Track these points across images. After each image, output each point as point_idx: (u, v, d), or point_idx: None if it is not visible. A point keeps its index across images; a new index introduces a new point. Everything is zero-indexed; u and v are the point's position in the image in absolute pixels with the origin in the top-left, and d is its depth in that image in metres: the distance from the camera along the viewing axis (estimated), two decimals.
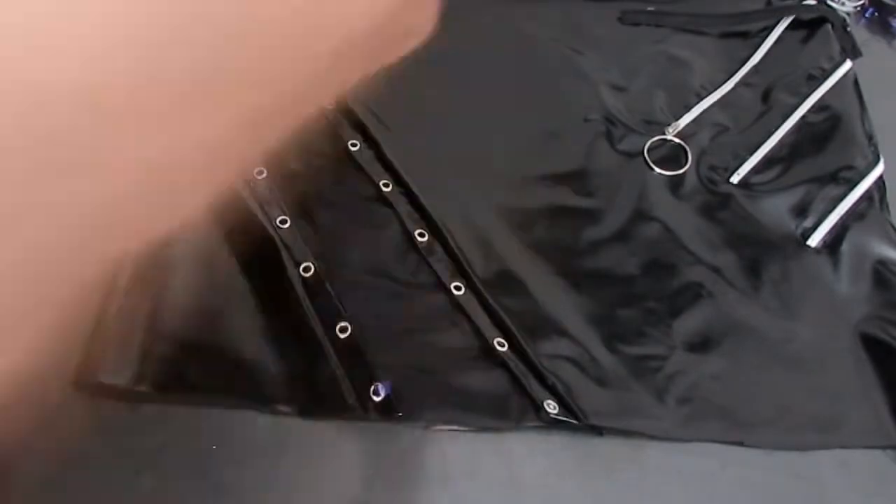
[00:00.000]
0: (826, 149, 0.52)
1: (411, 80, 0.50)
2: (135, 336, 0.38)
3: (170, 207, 0.17)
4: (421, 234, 0.44)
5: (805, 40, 0.57)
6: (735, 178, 0.50)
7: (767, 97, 0.54)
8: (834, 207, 0.49)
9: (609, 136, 0.51)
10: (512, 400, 0.39)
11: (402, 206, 0.45)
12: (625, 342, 0.42)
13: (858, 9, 0.61)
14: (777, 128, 0.52)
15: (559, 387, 0.39)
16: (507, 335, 0.41)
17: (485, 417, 0.39)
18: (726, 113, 0.53)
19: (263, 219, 0.42)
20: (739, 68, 0.55)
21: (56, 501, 0.36)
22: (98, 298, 0.39)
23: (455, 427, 0.39)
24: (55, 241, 0.15)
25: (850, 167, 0.50)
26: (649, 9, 0.57)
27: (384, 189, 0.45)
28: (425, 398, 0.39)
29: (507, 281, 0.43)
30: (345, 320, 0.40)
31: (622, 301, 0.44)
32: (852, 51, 0.57)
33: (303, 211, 0.43)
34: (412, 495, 0.37)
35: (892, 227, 0.49)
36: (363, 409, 0.38)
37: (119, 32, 0.14)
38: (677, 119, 0.52)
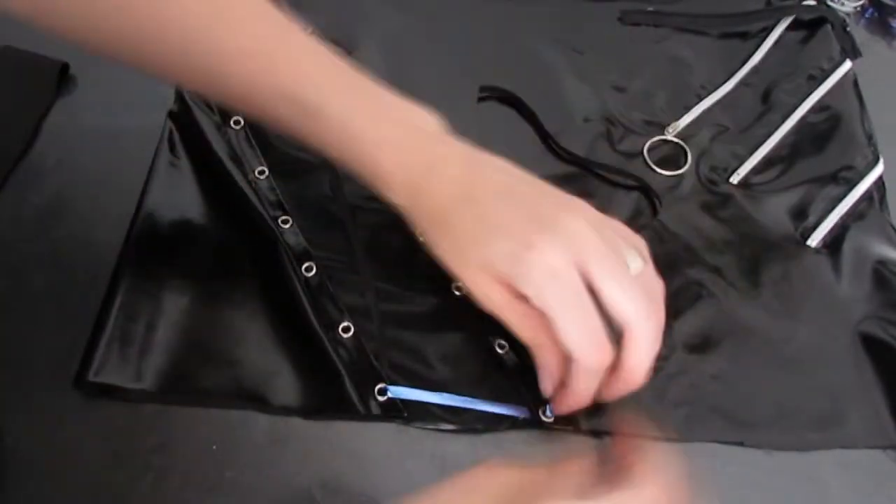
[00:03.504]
0: (826, 149, 0.52)
1: (412, 80, 0.50)
2: (135, 336, 0.38)
3: None
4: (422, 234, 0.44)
5: (805, 40, 0.57)
6: (735, 179, 0.50)
7: (767, 97, 0.54)
8: (834, 207, 0.49)
9: (609, 137, 0.51)
10: (512, 401, 0.39)
11: None
12: None
13: (858, 9, 0.61)
14: (777, 128, 0.52)
15: None
16: (507, 337, 0.41)
17: (485, 418, 0.39)
18: (726, 113, 0.53)
19: (266, 218, 0.42)
20: (739, 68, 0.55)
21: (56, 501, 0.36)
22: (98, 298, 0.39)
23: (456, 427, 0.39)
24: None
25: (849, 167, 0.50)
26: (649, 9, 0.57)
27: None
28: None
29: None
30: (347, 320, 0.40)
31: None
32: (852, 51, 0.57)
33: (305, 210, 0.43)
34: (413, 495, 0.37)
35: (892, 227, 0.49)
36: (366, 410, 0.38)
37: None
38: (677, 119, 0.52)
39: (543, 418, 0.39)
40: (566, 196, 0.36)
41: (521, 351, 0.40)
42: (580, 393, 0.35)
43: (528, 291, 0.33)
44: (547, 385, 0.37)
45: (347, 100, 0.36)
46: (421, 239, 0.37)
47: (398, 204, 0.37)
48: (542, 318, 0.34)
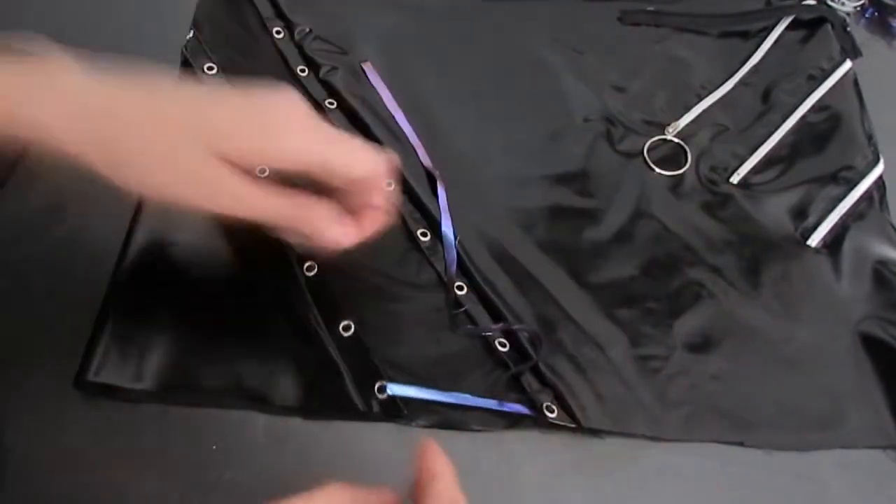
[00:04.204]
0: (826, 149, 0.52)
1: (412, 80, 0.50)
2: (135, 335, 0.38)
3: None
4: (423, 234, 0.44)
5: (805, 40, 0.57)
6: (735, 179, 0.50)
7: (767, 97, 0.54)
8: (834, 207, 0.49)
9: (609, 137, 0.51)
10: (513, 399, 0.39)
11: (405, 206, 0.45)
12: (625, 343, 0.42)
13: (858, 9, 0.61)
14: (777, 128, 0.52)
15: (560, 387, 0.39)
16: (507, 335, 0.41)
17: (485, 418, 0.39)
18: (726, 113, 0.53)
19: None
20: (739, 68, 0.55)
21: (56, 501, 0.36)
22: (98, 298, 0.39)
23: (456, 427, 0.39)
24: None
25: (849, 167, 0.50)
26: (649, 9, 0.57)
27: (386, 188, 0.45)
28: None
29: (508, 282, 0.43)
30: (348, 319, 0.40)
31: (622, 301, 0.44)
32: (852, 51, 0.57)
33: None
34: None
35: (892, 227, 0.49)
36: (367, 408, 0.38)
37: None
38: (677, 119, 0.52)
39: (547, 414, 0.39)
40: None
41: (521, 349, 0.40)
42: (383, 214, 0.36)
43: (293, 159, 0.32)
44: (342, 239, 0.35)
45: None
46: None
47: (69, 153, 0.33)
48: (285, 197, 0.33)
